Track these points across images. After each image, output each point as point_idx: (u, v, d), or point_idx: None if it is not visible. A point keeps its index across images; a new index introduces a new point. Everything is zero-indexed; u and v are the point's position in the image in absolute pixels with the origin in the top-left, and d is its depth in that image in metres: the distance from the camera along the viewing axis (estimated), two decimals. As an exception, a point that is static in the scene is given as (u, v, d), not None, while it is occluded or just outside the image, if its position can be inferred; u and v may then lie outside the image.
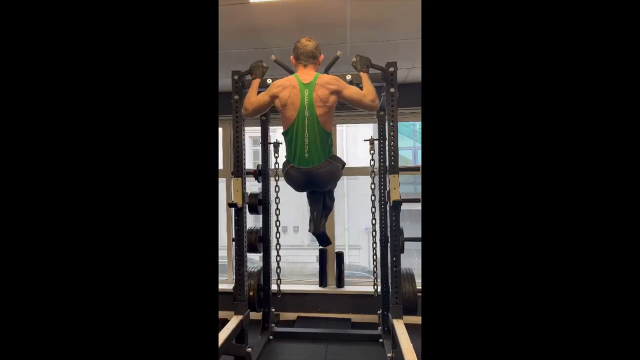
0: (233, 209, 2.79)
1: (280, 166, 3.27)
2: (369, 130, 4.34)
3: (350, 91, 2.35)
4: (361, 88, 2.46)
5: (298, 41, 2.41)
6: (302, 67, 2.39)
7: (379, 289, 3.33)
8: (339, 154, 4.20)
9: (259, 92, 2.51)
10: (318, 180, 2.37)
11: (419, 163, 5.06)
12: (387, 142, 2.69)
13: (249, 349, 2.75)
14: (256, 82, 2.56)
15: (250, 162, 6.48)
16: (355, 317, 3.79)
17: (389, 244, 2.72)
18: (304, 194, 2.60)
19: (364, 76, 2.47)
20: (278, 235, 3.37)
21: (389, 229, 2.69)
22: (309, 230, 2.65)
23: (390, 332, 2.59)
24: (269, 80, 2.73)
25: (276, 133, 3.95)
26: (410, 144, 7.97)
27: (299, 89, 2.31)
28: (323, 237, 2.66)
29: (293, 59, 2.43)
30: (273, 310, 3.48)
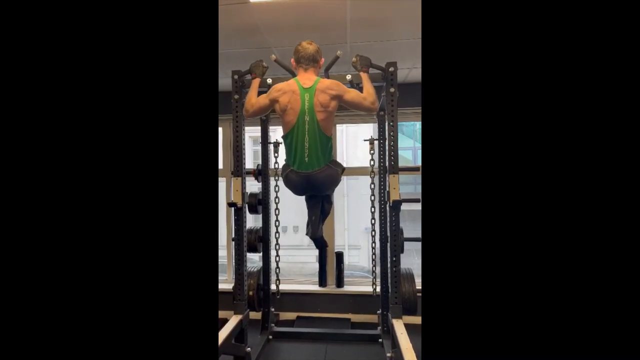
0: (233, 208, 2.79)
1: (280, 166, 3.28)
2: (369, 130, 4.34)
3: (351, 95, 2.35)
4: (361, 89, 2.46)
5: (299, 44, 2.40)
6: (303, 71, 2.38)
7: (378, 289, 3.33)
8: (338, 154, 4.22)
9: (259, 93, 2.51)
10: (318, 184, 2.36)
11: (419, 163, 5.06)
12: (387, 142, 2.69)
13: (249, 348, 2.75)
14: (256, 82, 2.55)
15: (250, 161, 6.48)
16: (355, 317, 3.79)
17: (388, 244, 2.72)
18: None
19: (364, 77, 2.47)
20: (278, 235, 3.37)
21: (388, 229, 2.69)
22: (307, 234, 2.64)
23: (390, 332, 2.59)
24: (269, 80, 2.73)
25: (276, 133, 3.95)
26: (410, 144, 7.97)
27: (299, 93, 2.30)
28: (320, 241, 2.65)
29: (294, 61, 2.42)
30: (272, 310, 3.48)
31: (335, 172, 2.41)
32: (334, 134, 2.71)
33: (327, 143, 2.35)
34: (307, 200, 2.60)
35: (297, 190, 2.46)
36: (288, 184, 2.44)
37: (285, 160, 2.44)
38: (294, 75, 2.68)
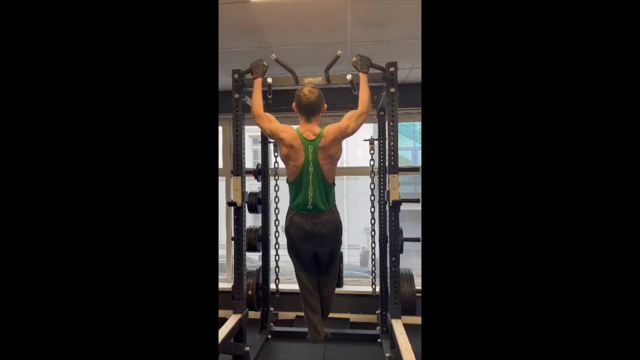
0: (232, 207, 2.79)
1: (280, 166, 3.27)
2: (369, 130, 4.34)
3: (352, 127, 2.33)
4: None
5: (300, 90, 2.36)
6: (305, 122, 2.35)
7: (377, 289, 3.33)
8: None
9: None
10: (321, 225, 2.33)
11: (419, 163, 5.06)
12: (387, 142, 2.69)
13: (247, 347, 2.75)
14: (258, 82, 2.54)
15: (250, 161, 6.48)
16: (354, 317, 3.79)
17: (388, 244, 2.72)
18: None
19: (362, 79, 2.44)
20: (277, 235, 3.37)
21: (388, 229, 2.69)
22: (308, 339, 2.56)
23: (389, 332, 2.59)
24: (269, 79, 2.73)
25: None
26: (410, 145, 7.97)
27: (302, 147, 2.30)
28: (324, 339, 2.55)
29: (295, 107, 2.39)
30: (272, 309, 3.47)
31: (338, 217, 2.42)
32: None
33: (330, 189, 2.39)
34: (299, 277, 2.50)
35: (300, 232, 2.36)
36: (291, 226, 2.39)
37: (290, 204, 2.44)
38: (294, 74, 2.69)
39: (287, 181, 2.44)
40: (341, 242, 2.52)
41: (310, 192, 2.31)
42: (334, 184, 2.44)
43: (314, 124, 2.35)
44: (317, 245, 2.38)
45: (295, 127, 2.40)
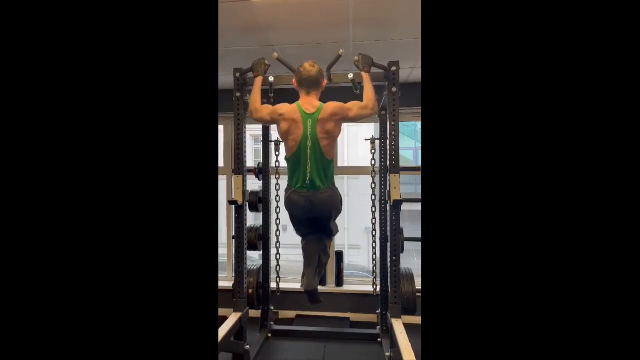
0: (233, 206, 2.79)
1: (281, 165, 3.27)
2: (370, 129, 4.34)
3: (354, 112, 2.35)
4: (362, 88, 2.46)
5: (301, 65, 2.39)
6: (305, 95, 2.38)
7: (378, 289, 3.33)
8: (339, 153, 4.21)
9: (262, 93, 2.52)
10: (319, 204, 2.36)
11: (419, 163, 5.06)
12: (388, 142, 2.68)
13: (248, 346, 2.75)
14: (259, 81, 2.56)
15: (251, 160, 6.48)
16: (354, 316, 3.79)
17: (388, 244, 2.72)
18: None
19: (366, 77, 2.46)
20: (278, 234, 3.37)
21: (389, 229, 2.69)
22: (301, 287, 2.61)
23: (389, 332, 2.59)
24: (271, 78, 2.73)
25: (277, 131, 3.94)
26: (411, 145, 7.96)
27: (301, 120, 2.31)
28: (314, 295, 2.62)
29: (295, 82, 2.41)
30: (272, 308, 3.48)
31: (337, 194, 2.44)
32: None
33: (329, 166, 2.39)
34: (304, 247, 2.57)
35: (298, 211, 2.43)
36: (290, 205, 2.43)
37: (288, 182, 2.45)
38: (295, 73, 2.69)
39: (285, 158, 2.44)
40: (340, 210, 2.55)
41: (309, 168, 2.31)
42: (332, 161, 2.43)
43: (313, 97, 2.37)
44: (316, 219, 2.46)
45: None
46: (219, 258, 2.79)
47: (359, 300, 3.81)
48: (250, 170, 3.20)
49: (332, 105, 2.33)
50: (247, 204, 3.02)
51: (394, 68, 2.59)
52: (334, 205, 2.43)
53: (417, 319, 2.04)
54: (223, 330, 2.38)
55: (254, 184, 3.42)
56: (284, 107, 2.38)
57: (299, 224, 2.55)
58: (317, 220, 2.48)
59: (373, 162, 3.30)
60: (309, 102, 2.34)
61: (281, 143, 3.27)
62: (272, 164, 3.44)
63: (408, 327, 2.38)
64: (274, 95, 2.87)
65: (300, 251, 2.62)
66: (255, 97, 2.50)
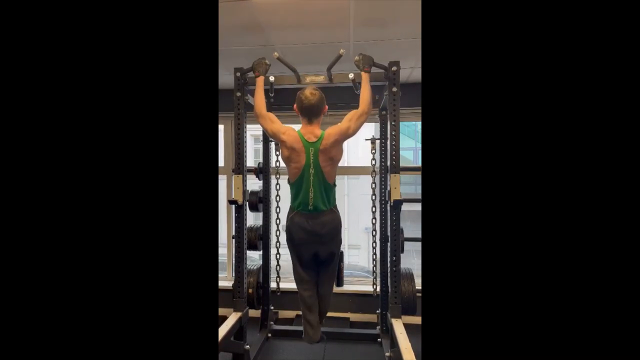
0: (233, 206, 2.79)
1: (281, 165, 3.27)
2: (370, 129, 4.33)
3: (353, 128, 2.34)
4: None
5: (302, 92, 2.36)
6: (306, 123, 2.37)
7: (378, 289, 3.33)
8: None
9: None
10: (322, 224, 2.35)
11: (419, 163, 5.05)
12: (388, 142, 2.68)
13: (247, 346, 2.75)
14: (260, 81, 2.55)
15: (252, 159, 6.48)
16: (354, 316, 3.79)
17: (388, 244, 2.72)
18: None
19: (364, 78, 2.45)
20: (278, 233, 3.37)
21: (389, 229, 2.69)
22: (303, 338, 2.56)
23: (389, 332, 2.59)
24: (271, 78, 2.73)
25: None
26: (411, 145, 7.96)
27: (303, 150, 2.31)
28: (319, 340, 2.57)
29: (296, 109, 2.40)
30: (272, 308, 3.48)
31: (339, 217, 2.44)
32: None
33: (331, 190, 2.40)
34: (302, 298, 2.51)
35: (300, 233, 2.38)
36: (292, 227, 2.40)
37: (290, 204, 2.46)
38: (296, 73, 2.69)
39: (289, 182, 2.46)
40: (341, 242, 2.53)
41: (311, 194, 2.33)
42: (334, 185, 2.45)
43: (315, 125, 2.36)
44: (318, 244, 2.40)
45: (297, 127, 2.40)
46: (219, 258, 2.79)
47: (359, 300, 3.81)
48: (250, 170, 3.20)
49: (333, 133, 2.33)
50: (247, 203, 3.02)
51: (394, 68, 2.58)
52: (337, 227, 2.43)
53: (417, 319, 2.05)
54: (223, 330, 2.38)
55: (254, 183, 3.42)
56: (286, 133, 2.36)
57: (299, 251, 2.45)
58: (319, 243, 2.40)
59: (373, 162, 3.30)
60: (310, 131, 2.34)
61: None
62: (272, 163, 3.43)
63: (408, 327, 2.37)
64: (274, 95, 2.87)
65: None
66: (259, 100, 2.48)
